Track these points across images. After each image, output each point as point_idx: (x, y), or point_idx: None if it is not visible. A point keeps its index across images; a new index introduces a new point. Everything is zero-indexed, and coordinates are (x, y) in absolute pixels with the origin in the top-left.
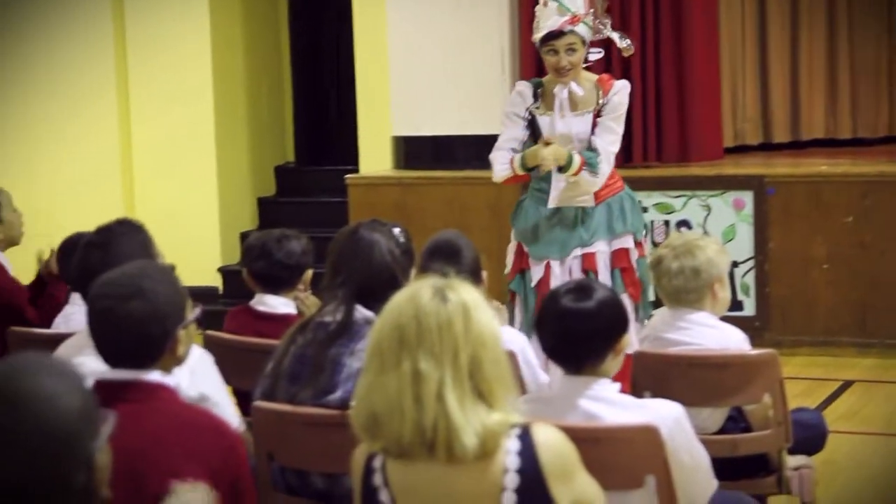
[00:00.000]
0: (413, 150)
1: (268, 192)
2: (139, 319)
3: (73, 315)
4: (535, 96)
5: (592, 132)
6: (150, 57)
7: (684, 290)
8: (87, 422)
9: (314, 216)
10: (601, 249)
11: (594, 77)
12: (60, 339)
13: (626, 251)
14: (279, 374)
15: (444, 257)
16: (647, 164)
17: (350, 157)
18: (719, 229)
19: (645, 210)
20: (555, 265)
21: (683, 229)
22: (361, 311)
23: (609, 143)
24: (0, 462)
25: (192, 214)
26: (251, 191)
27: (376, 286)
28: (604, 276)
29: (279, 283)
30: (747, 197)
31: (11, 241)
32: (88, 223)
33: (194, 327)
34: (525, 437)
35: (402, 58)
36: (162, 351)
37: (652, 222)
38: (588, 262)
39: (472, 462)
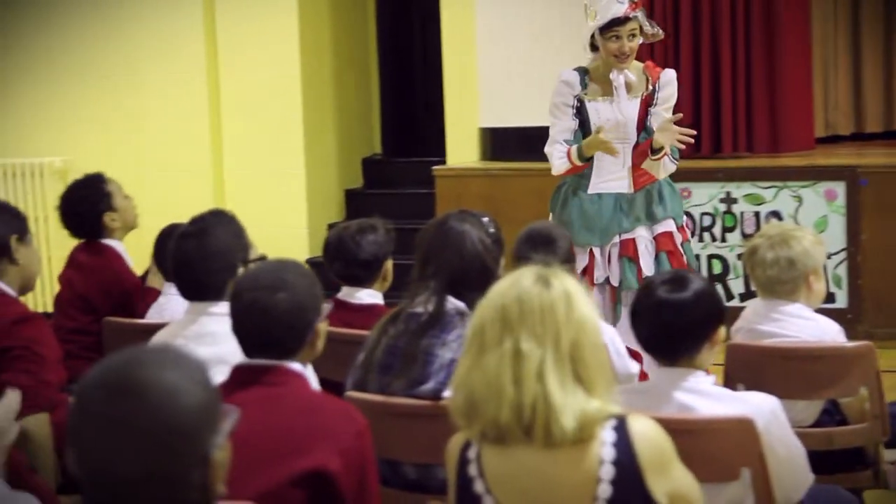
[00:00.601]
0: (500, 142)
1: (355, 184)
2: (285, 311)
3: (167, 305)
4: (582, 84)
5: (641, 117)
6: (240, 51)
7: (778, 281)
8: (207, 418)
9: (401, 208)
10: (642, 235)
11: (640, 64)
12: (154, 329)
13: (669, 234)
14: (371, 365)
15: (540, 246)
16: (737, 154)
17: (437, 148)
18: (811, 221)
19: (734, 201)
20: (596, 252)
21: (774, 220)
22: (453, 302)
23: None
24: (119, 453)
25: (281, 206)
26: (339, 183)
27: (468, 276)
28: (646, 262)
29: (359, 280)
30: (839, 188)
31: (129, 227)
32: (180, 215)
33: (326, 323)
34: (621, 428)
35: (489, 49)
36: (303, 343)
37: (742, 213)
38: (625, 249)
39: (568, 449)
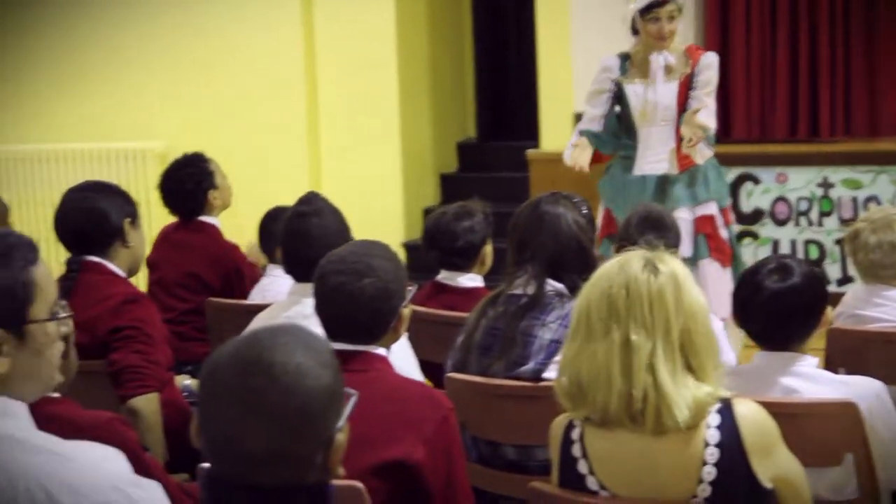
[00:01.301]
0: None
1: (450, 168)
2: (371, 296)
3: (270, 286)
4: (622, 68)
5: (682, 100)
6: (336, 35)
7: (881, 266)
8: (332, 400)
9: (495, 191)
10: (683, 217)
11: (682, 47)
12: (258, 309)
13: (709, 217)
14: (470, 347)
15: (651, 229)
16: (834, 138)
17: (532, 132)
18: None
19: (831, 186)
20: None
21: (874, 205)
22: (551, 284)
23: (711, 117)
24: (246, 431)
25: (377, 190)
26: (434, 167)
27: (565, 258)
28: (685, 243)
29: (457, 266)
30: None
31: (226, 206)
32: (277, 200)
33: (410, 307)
34: (726, 411)
35: (584, 34)
36: (388, 328)
37: (839, 198)
38: None
39: (675, 434)
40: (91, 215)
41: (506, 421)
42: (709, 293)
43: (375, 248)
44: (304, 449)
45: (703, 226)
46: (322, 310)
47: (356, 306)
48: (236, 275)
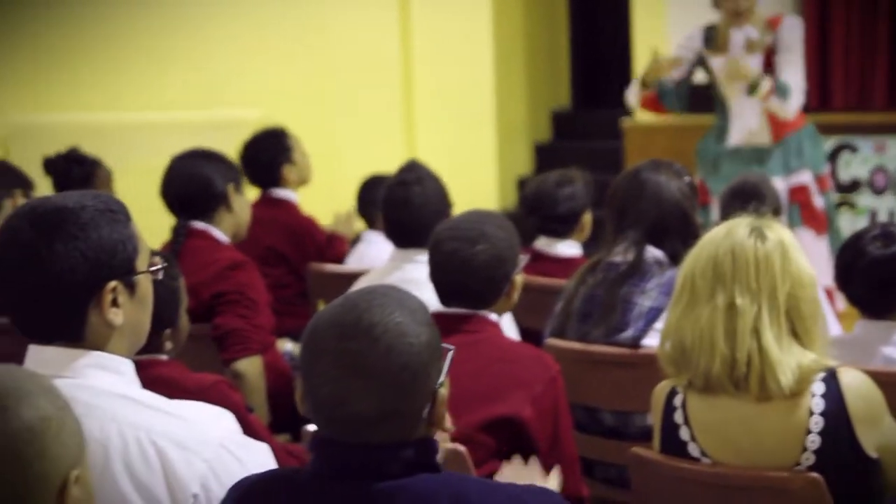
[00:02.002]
0: (690, 96)
1: (544, 137)
2: (484, 263)
3: (368, 253)
4: (706, 40)
5: (765, 71)
6: (431, 6)
7: None
8: (433, 355)
9: (589, 161)
10: (776, 187)
11: (764, 17)
12: (358, 275)
13: (803, 187)
14: (569, 314)
15: (746, 200)
16: None
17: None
18: None
19: None
20: None
21: None
22: (651, 251)
23: (796, 75)
24: (352, 392)
25: (471, 160)
26: (528, 136)
27: (667, 225)
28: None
29: (557, 233)
30: None
31: (303, 181)
32: (373, 168)
33: (522, 274)
34: (831, 380)
35: (679, 1)
36: (500, 294)
37: None
38: None
39: (779, 401)
40: (195, 181)
41: (604, 387)
42: None
43: (489, 216)
44: (410, 406)
45: (797, 195)
46: (436, 276)
47: (469, 272)
48: (313, 248)
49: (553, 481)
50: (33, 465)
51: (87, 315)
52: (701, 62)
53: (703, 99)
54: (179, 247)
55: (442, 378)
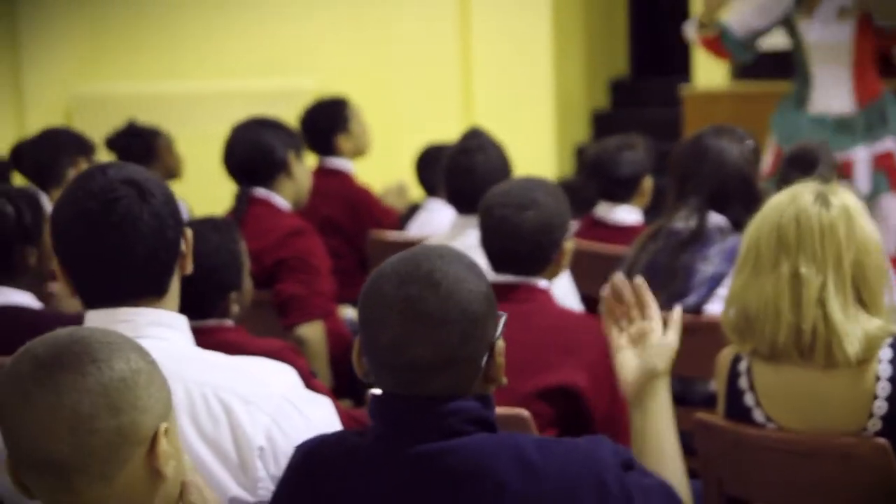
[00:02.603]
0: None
1: (602, 106)
2: (532, 229)
3: (429, 220)
4: (799, 2)
5: (857, 39)
6: None
7: None
8: (491, 308)
9: (647, 129)
10: (860, 158)
11: None
12: (417, 243)
13: (888, 154)
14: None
15: (803, 168)
16: None
17: (685, 68)
18: None
19: None
20: None
21: None
22: (714, 218)
23: None
24: (413, 338)
25: (529, 128)
26: (586, 104)
27: (729, 191)
28: (862, 181)
29: (617, 197)
30: None
31: (360, 152)
32: (431, 136)
33: (573, 241)
34: None
35: None
36: (549, 260)
37: None
38: (840, 170)
39: (845, 369)
40: (257, 148)
41: None
42: (889, 228)
43: (539, 183)
44: (468, 353)
45: (882, 162)
46: (486, 242)
47: (518, 238)
48: (370, 218)
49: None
50: (126, 414)
51: (175, 270)
52: (787, 23)
53: (771, 64)
54: (241, 214)
55: (498, 333)
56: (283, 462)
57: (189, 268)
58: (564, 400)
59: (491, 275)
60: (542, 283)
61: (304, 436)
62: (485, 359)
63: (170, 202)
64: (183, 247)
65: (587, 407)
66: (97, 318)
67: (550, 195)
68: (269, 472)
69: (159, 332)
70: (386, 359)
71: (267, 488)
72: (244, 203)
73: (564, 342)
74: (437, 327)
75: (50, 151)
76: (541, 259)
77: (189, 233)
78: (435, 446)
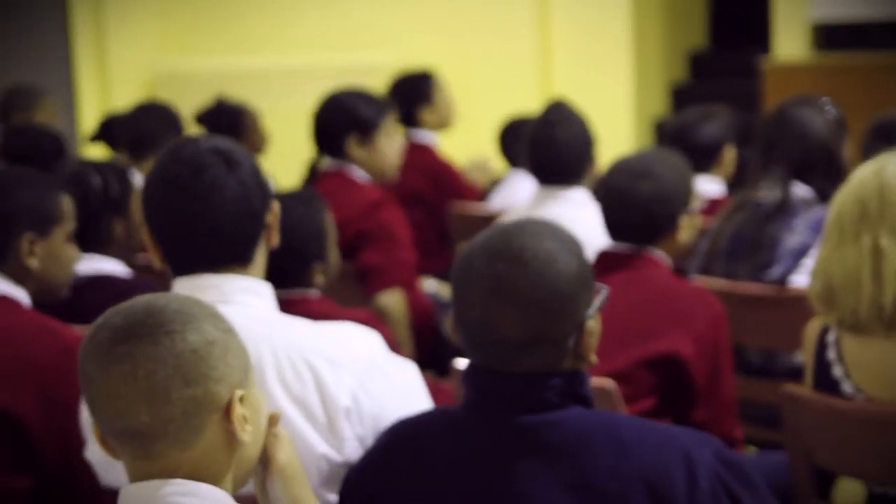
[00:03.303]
0: (830, 34)
1: (680, 78)
2: (646, 199)
3: (512, 192)
4: None
5: None
6: None
7: None
8: (582, 286)
9: (727, 101)
10: None
11: None
12: (499, 215)
13: None
14: (716, 253)
15: (883, 139)
16: None
17: (765, 39)
18: None
19: None
20: None
21: None
22: (798, 188)
23: None
24: (501, 316)
25: (607, 102)
26: (664, 77)
27: (813, 162)
28: None
29: (699, 166)
30: None
31: (443, 124)
32: (508, 111)
33: (699, 218)
34: None
35: None
36: (663, 233)
37: None
38: None
39: None
40: (344, 119)
41: (751, 325)
42: None
43: (663, 155)
44: (556, 332)
45: None
46: (602, 209)
47: (630, 207)
48: (452, 191)
49: None
50: (200, 384)
51: (261, 240)
52: None
53: (853, 36)
54: (322, 185)
55: (591, 311)
56: (369, 423)
57: (276, 240)
58: (668, 368)
59: (607, 243)
60: (656, 252)
61: (389, 398)
62: (574, 338)
63: (257, 173)
64: (269, 218)
65: (689, 378)
66: (184, 286)
67: (671, 168)
68: (355, 432)
69: (245, 298)
70: (475, 336)
71: (353, 448)
72: (326, 174)
73: (674, 311)
74: (525, 307)
75: (147, 125)
76: (653, 229)
77: (276, 205)
78: (531, 419)
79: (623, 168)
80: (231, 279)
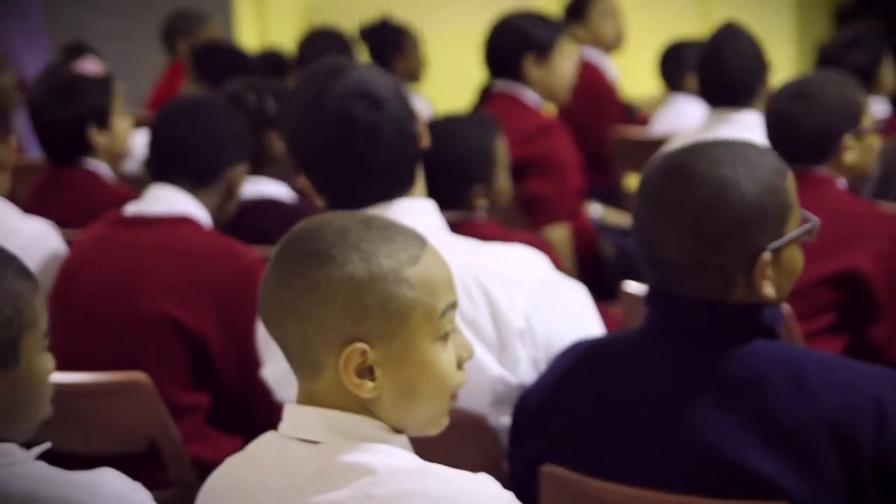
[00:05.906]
0: None
1: (846, 2)
2: (803, 118)
3: (676, 118)
4: None
5: None
6: None
7: None
8: (759, 218)
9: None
10: None
11: None
12: (662, 141)
13: None
14: (890, 176)
15: None
16: None
17: None
18: None
19: None
20: None
21: None
22: None
23: None
24: (667, 237)
25: (769, 25)
26: (829, 1)
27: None
28: None
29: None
30: None
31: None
32: (667, 36)
33: (874, 138)
34: None
35: None
36: (828, 154)
37: None
38: None
39: None
40: (513, 42)
41: None
42: None
43: (828, 78)
44: (720, 262)
45: None
46: (767, 134)
47: (786, 128)
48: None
49: None
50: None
51: (418, 159)
52: None
53: None
54: (494, 107)
55: (777, 243)
56: (542, 345)
57: (426, 141)
58: (848, 284)
59: None
60: (824, 171)
61: (562, 320)
62: (743, 270)
63: (400, 97)
64: (419, 131)
65: (870, 294)
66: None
67: (831, 87)
68: (528, 354)
69: (413, 220)
70: (643, 253)
71: (527, 370)
72: (493, 98)
73: (855, 230)
74: (684, 233)
75: (319, 53)
76: (815, 151)
77: (418, 115)
78: (710, 352)
79: (782, 91)
80: (397, 203)
